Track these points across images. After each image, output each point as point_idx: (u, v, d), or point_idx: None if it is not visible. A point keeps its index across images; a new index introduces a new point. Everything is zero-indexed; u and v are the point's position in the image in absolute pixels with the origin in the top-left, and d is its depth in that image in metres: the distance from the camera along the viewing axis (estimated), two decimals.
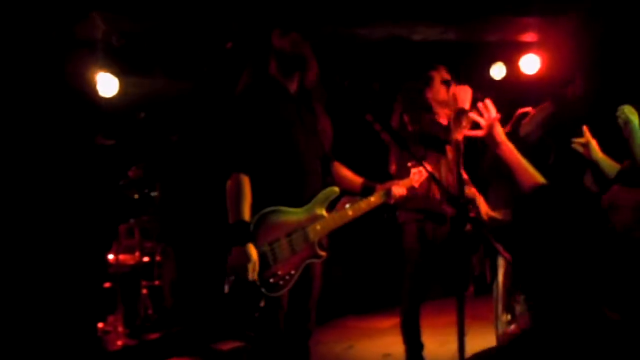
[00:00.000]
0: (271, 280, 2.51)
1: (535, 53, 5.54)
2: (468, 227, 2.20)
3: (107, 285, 4.60)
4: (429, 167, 2.80)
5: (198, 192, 5.16)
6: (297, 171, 2.63)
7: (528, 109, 4.82)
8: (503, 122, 3.77)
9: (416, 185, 3.07)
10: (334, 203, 2.78)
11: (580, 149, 3.06)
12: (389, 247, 5.81)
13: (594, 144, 3.00)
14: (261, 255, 2.48)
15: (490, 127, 1.93)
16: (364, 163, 3.17)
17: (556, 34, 5.33)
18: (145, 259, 4.91)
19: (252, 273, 2.42)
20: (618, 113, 2.86)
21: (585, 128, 3.04)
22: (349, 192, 2.89)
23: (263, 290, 2.47)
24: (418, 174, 2.97)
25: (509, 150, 1.93)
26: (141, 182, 4.81)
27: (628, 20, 4.97)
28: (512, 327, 4.10)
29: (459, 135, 3.45)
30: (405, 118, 3.65)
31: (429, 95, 3.75)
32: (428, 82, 3.74)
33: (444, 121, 3.72)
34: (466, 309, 2.56)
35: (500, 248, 2.33)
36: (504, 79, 5.69)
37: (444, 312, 4.70)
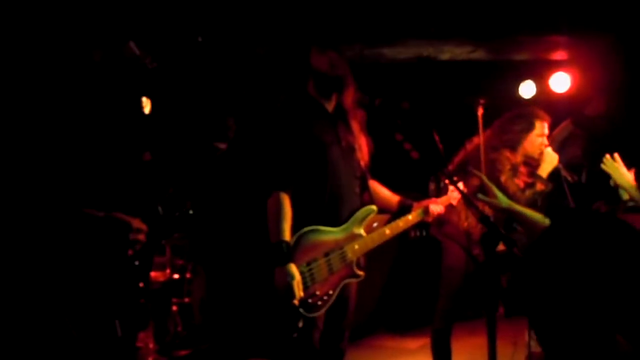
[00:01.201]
0: (310, 300, 2.49)
1: (566, 71, 5.50)
2: (500, 246, 2.19)
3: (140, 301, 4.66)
4: (463, 189, 2.78)
5: (229, 210, 5.21)
6: (335, 190, 2.62)
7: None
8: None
9: (454, 203, 3.06)
10: None
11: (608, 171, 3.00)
12: (417, 266, 5.78)
13: (622, 171, 2.92)
14: (300, 274, 2.47)
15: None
16: (394, 182, 3.17)
17: (587, 52, 5.29)
18: (176, 276, 4.96)
19: (299, 292, 2.42)
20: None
21: (616, 155, 2.97)
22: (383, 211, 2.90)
23: (301, 310, 2.46)
24: (456, 192, 2.93)
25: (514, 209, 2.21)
26: (172, 200, 4.88)
27: None
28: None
29: (518, 193, 3.39)
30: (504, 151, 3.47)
31: (523, 142, 3.51)
32: (530, 128, 3.51)
33: (520, 180, 3.51)
34: (497, 331, 2.53)
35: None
36: (534, 97, 5.65)
37: (474, 334, 4.65)
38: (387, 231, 2.76)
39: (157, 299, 4.78)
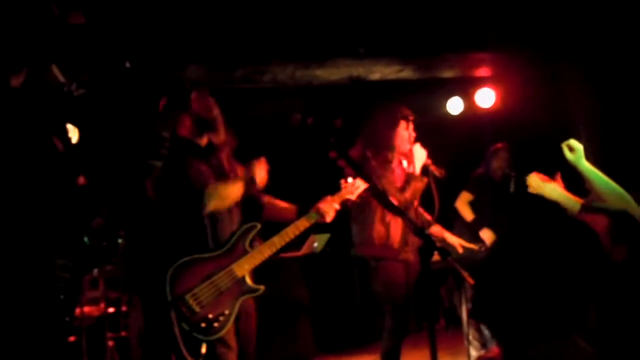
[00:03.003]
0: (202, 324, 2.56)
1: (491, 87, 5.72)
2: (435, 257, 2.23)
3: (71, 339, 4.45)
4: (395, 201, 2.82)
5: (164, 239, 5.08)
6: (212, 218, 2.74)
7: (498, 145, 4.96)
8: (467, 157, 3.85)
9: (352, 197, 3.10)
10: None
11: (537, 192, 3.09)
12: (348, 286, 5.78)
13: (551, 186, 3.02)
14: (184, 303, 2.56)
15: None
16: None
17: (510, 68, 5.52)
18: (111, 309, 4.78)
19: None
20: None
21: (535, 174, 3.05)
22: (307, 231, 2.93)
23: (198, 336, 2.53)
24: (350, 186, 3.04)
25: None
26: (104, 231, 4.72)
27: (575, 57, 5.21)
28: (483, 352, 4.12)
29: (408, 195, 3.49)
30: (369, 154, 3.58)
31: (395, 141, 3.63)
32: (395, 123, 3.63)
33: (398, 181, 3.61)
34: (438, 342, 2.56)
35: (467, 276, 2.35)
36: (461, 113, 5.84)
37: (416, 347, 4.68)
38: (276, 241, 2.79)
39: (92, 334, 4.58)
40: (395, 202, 3.28)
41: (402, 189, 3.52)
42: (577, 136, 4.53)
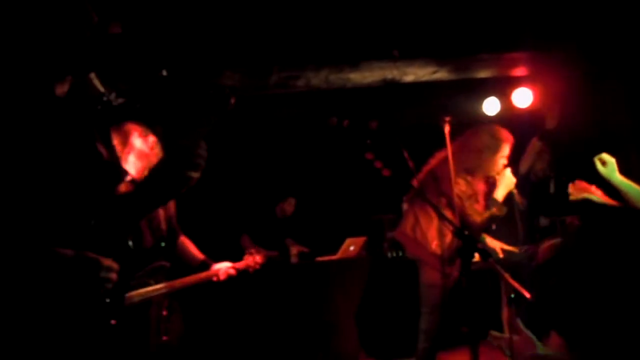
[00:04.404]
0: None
1: (528, 87, 5.61)
2: (476, 258, 2.20)
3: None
4: (435, 203, 2.80)
5: (203, 243, 5.14)
6: (135, 248, 2.96)
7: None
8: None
9: (250, 270, 3.41)
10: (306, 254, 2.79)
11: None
12: (394, 287, 5.74)
13: (594, 194, 2.96)
14: None
15: None
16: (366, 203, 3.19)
17: (547, 67, 5.42)
18: None
19: None
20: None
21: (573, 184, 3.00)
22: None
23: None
24: (252, 259, 3.39)
25: None
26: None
27: (614, 56, 5.09)
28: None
29: (477, 218, 3.48)
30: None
31: (489, 164, 3.62)
32: (496, 149, 3.62)
33: (479, 204, 3.60)
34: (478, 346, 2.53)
35: (509, 278, 2.31)
36: (498, 113, 5.75)
37: (456, 351, 4.62)
38: (177, 284, 3.18)
39: None
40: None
41: (481, 213, 3.52)
42: (617, 137, 4.43)
